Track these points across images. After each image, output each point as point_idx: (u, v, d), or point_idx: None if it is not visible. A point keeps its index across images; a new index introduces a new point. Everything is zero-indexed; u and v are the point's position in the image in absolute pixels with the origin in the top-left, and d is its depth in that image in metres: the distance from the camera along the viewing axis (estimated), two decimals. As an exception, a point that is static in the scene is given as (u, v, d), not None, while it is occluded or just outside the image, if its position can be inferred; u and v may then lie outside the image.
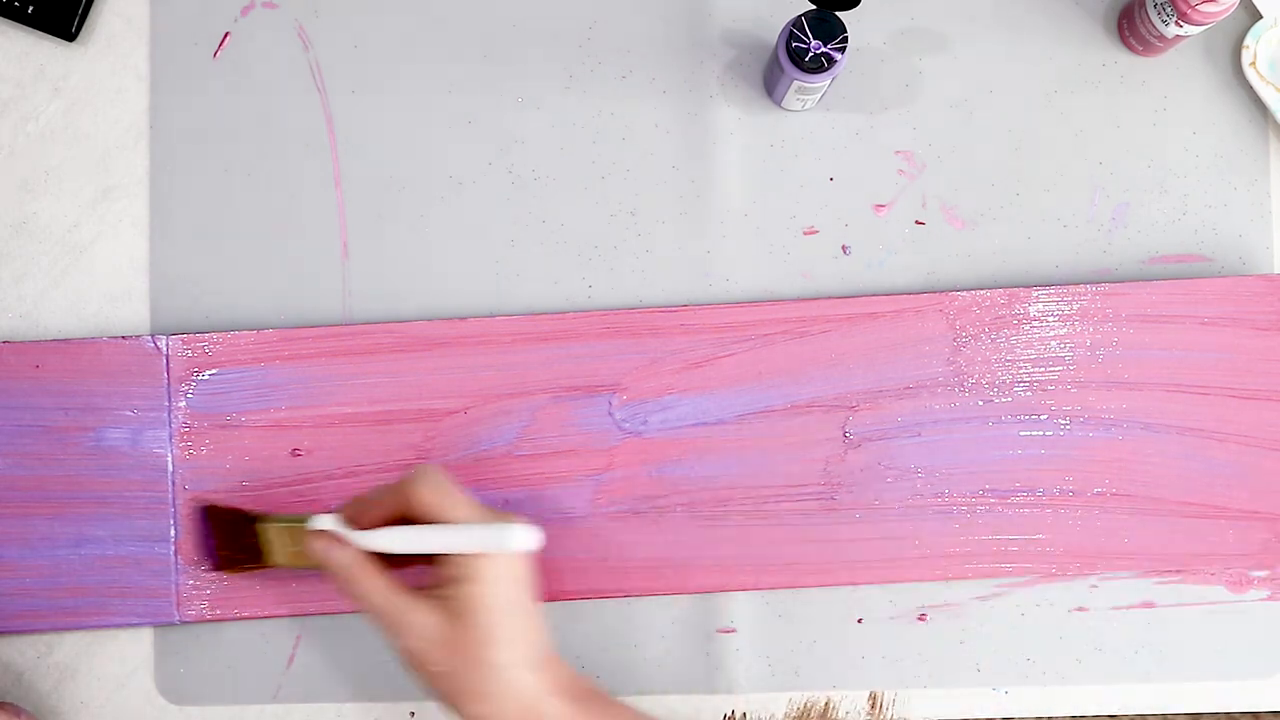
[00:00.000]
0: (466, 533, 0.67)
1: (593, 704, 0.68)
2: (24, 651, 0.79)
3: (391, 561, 0.69)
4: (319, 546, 0.69)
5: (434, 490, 0.68)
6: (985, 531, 0.78)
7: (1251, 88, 0.81)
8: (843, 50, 0.75)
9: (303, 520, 0.72)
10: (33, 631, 0.78)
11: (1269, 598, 0.80)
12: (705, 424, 0.78)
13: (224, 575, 0.77)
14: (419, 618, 0.66)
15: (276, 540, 0.74)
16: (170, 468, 0.78)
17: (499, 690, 0.66)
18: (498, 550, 0.66)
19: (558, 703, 0.66)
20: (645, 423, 0.78)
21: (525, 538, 0.67)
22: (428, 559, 0.68)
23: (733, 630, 0.79)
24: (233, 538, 0.75)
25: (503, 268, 0.81)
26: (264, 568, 0.75)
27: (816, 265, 0.81)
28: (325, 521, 0.70)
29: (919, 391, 0.79)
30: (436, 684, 0.67)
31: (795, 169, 0.82)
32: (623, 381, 0.79)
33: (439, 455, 0.78)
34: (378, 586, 0.68)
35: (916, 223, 0.82)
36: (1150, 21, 0.78)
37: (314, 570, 0.72)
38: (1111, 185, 0.82)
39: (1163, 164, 0.82)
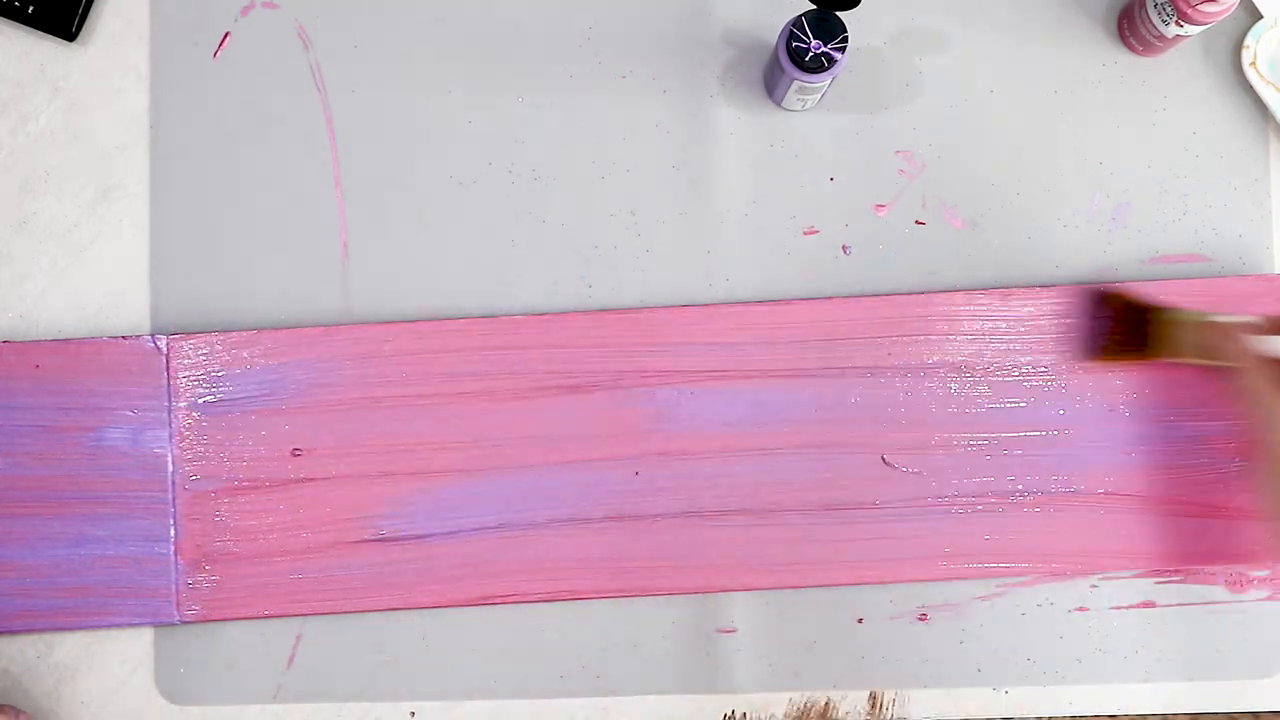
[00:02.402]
0: None
1: None
2: (24, 651, 0.79)
3: None
4: (1260, 339, 0.72)
5: None
6: (985, 531, 0.78)
7: (1251, 88, 0.81)
8: (843, 50, 0.75)
9: (1204, 317, 0.75)
10: (33, 631, 0.78)
11: (1269, 598, 0.80)
12: (705, 424, 0.78)
13: (1101, 362, 0.78)
14: None
15: (1178, 332, 0.76)
16: (170, 468, 0.78)
17: None
18: None
19: None
20: (645, 422, 0.78)
21: None
22: None
23: (733, 630, 0.79)
24: (1124, 325, 0.77)
25: (503, 268, 0.81)
26: (1148, 358, 0.77)
27: (816, 265, 0.81)
28: (1223, 318, 0.74)
29: (919, 392, 0.79)
30: None
31: (795, 169, 0.82)
32: (622, 381, 0.79)
33: (439, 453, 0.78)
34: None
35: (916, 223, 0.82)
36: (1150, 21, 0.78)
37: (1208, 367, 0.75)
38: (1111, 185, 0.82)
39: (1163, 164, 0.82)
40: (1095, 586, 0.80)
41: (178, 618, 0.77)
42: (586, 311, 0.79)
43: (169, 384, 0.78)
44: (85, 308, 0.80)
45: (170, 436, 0.78)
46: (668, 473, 0.78)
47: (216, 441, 0.78)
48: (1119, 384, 0.79)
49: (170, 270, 0.81)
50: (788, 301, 0.79)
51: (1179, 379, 0.79)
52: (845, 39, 0.74)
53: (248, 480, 0.78)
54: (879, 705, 0.80)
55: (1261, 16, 0.81)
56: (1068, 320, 0.79)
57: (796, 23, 0.75)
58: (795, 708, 0.80)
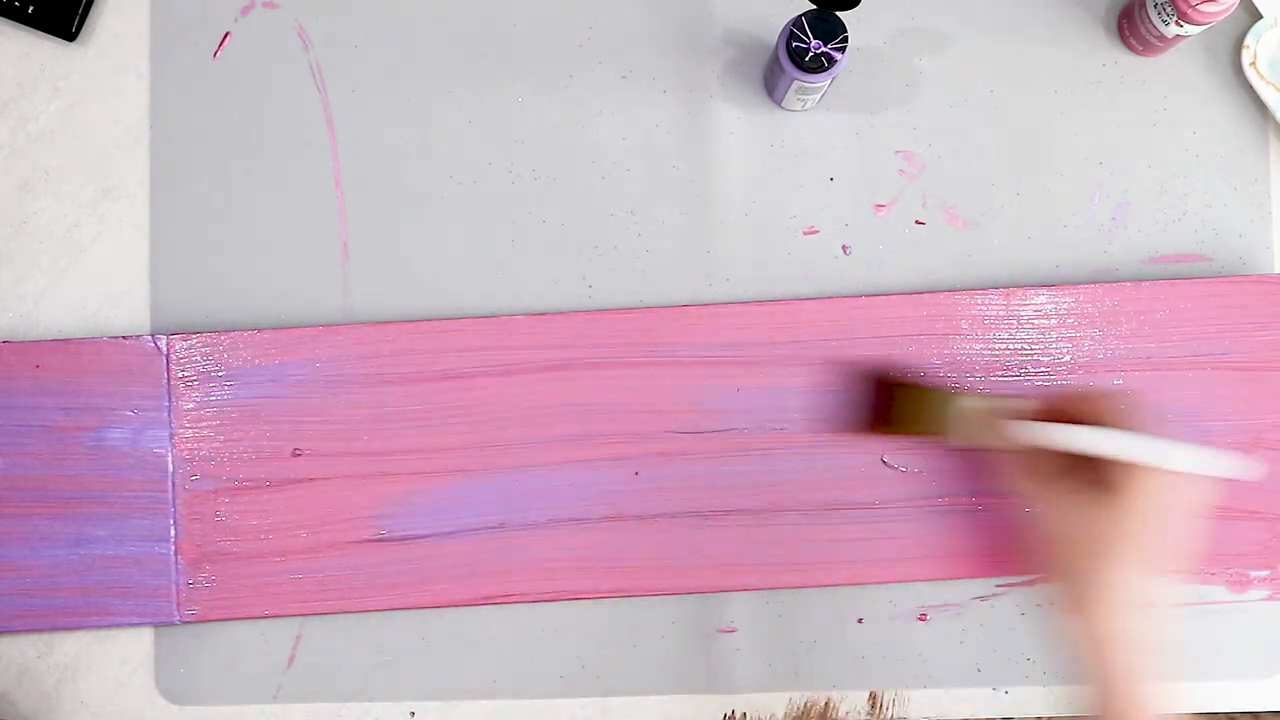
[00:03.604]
0: (1194, 452, 0.67)
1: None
2: (24, 651, 0.79)
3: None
4: (1014, 426, 0.70)
5: (1123, 409, 0.68)
6: (985, 531, 0.78)
7: (1251, 88, 0.81)
8: (843, 50, 0.75)
9: (954, 395, 0.75)
10: (33, 631, 0.78)
11: (1269, 598, 0.80)
12: (705, 424, 0.78)
13: (866, 436, 0.78)
14: (1083, 512, 0.67)
15: (937, 411, 0.75)
16: (170, 468, 0.78)
17: (1119, 599, 0.67)
18: (1203, 472, 0.67)
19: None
20: (645, 423, 0.78)
21: (1247, 467, 0.68)
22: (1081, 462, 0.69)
23: (733, 630, 0.79)
24: (883, 401, 0.76)
25: (503, 268, 0.81)
26: (903, 434, 0.77)
27: (816, 265, 0.81)
28: (978, 401, 0.73)
29: (919, 391, 0.79)
30: (1065, 573, 0.68)
31: (795, 169, 0.82)
32: (621, 381, 0.78)
33: (439, 453, 0.78)
34: (1058, 471, 0.69)
35: (916, 223, 0.82)
36: (1150, 21, 0.78)
37: (946, 439, 0.75)
38: (1111, 185, 0.82)
39: (1163, 164, 0.82)
40: (1095, 586, 0.80)
41: (178, 618, 0.77)
42: (586, 311, 0.79)
43: (169, 384, 0.78)
44: (85, 308, 0.80)
45: (170, 436, 0.78)
46: (668, 473, 0.78)
47: (216, 441, 0.78)
48: (1119, 385, 0.79)
49: (170, 270, 0.81)
50: (788, 301, 0.79)
51: (1181, 381, 0.79)
52: (845, 39, 0.74)
53: (248, 480, 0.78)
54: (879, 705, 0.80)
55: (1261, 16, 0.81)
56: (832, 394, 0.78)
57: (796, 23, 0.75)
58: (795, 708, 0.80)
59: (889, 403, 0.76)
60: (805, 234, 0.81)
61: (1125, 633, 0.66)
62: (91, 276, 0.81)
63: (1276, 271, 0.82)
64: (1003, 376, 0.79)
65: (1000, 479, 0.73)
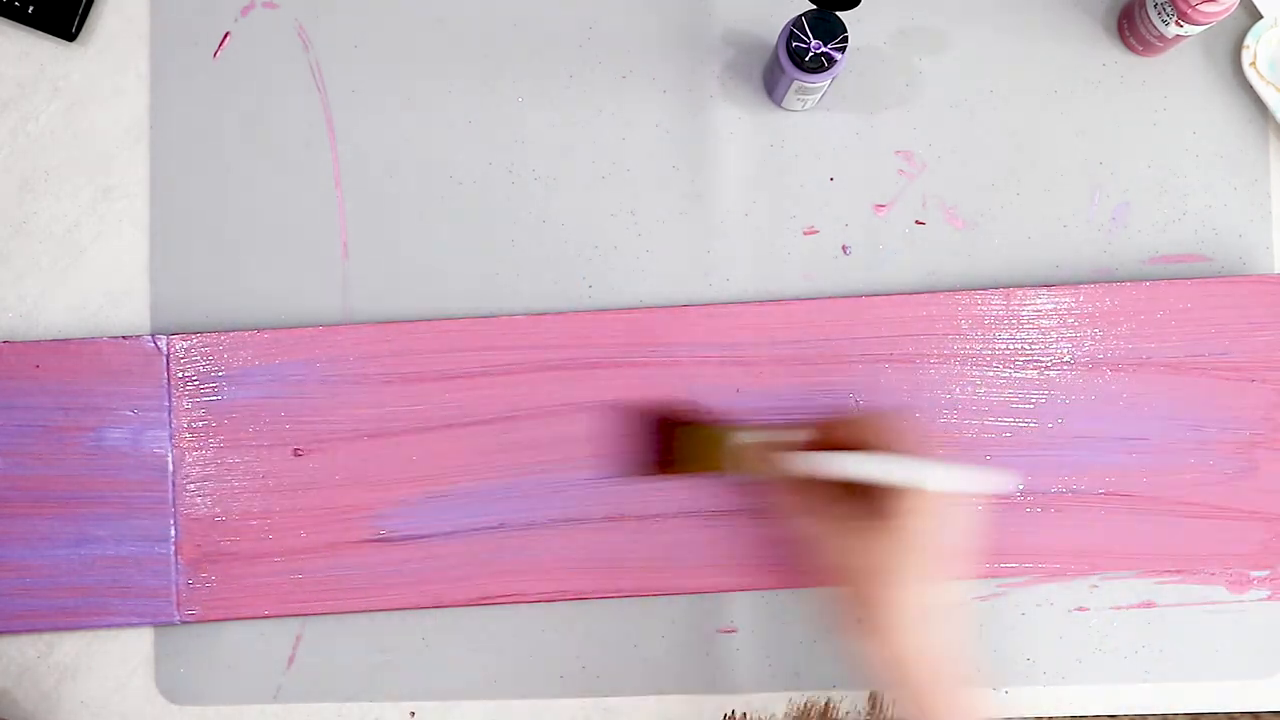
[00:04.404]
0: (951, 471, 0.67)
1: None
2: (24, 651, 0.79)
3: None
4: (786, 458, 0.70)
5: (896, 431, 0.69)
6: (985, 531, 0.78)
7: (1251, 88, 0.81)
8: (843, 50, 0.75)
9: (729, 432, 0.74)
10: (33, 631, 0.78)
11: (1269, 598, 0.80)
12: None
13: (648, 477, 0.77)
14: (858, 539, 0.68)
15: (710, 449, 0.75)
16: (170, 468, 0.78)
17: (908, 617, 0.68)
18: (959, 490, 0.68)
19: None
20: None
21: (1004, 481, 0.69)
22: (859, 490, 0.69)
23: (733, 630, 0.79)
24: (659, 441, 0.76)
25: (503, 268, 0.81)
26: (685, 473, 0.77)
27: (816, 265, 0.81)
28: (752, 436, 0.73)
29: (919, 392, 0.79)
30: (852, 600, 0.69)
31: (795, 169, 0.82)
32: (621, 381, 0.78)
33: (438, 453, 0.78)
34: (831, 499, 0.69)
35: (916, 223, 0.82)
36: (1150, 21, 0.78)
37: (726, 476, 0.75)
38: (1111, 185, 0.82)
39: (1163, 164, 0.82)
40: (1095, 586, 0.80)
41: (178, 618, 0.77)
42: (586, 311, 0.79)
43: (169, 384, 0.78)
44: (85, 308, 0.80)
45: (170, 437, 0.78)
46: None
47: (217, 442, 0.78)
48: (1119, 385, 0.79)
49: (170, 270, 0.81)
50: (788, 301, 0.79)
51: (1180, 381, 0.79)
52: (845, 39, 0.74)
53: (248, 480, 0.78)
54: (879, 705, 0.80)
55: (1261, 16, 0.81)
56: (616, 437, 0.78)
57: (796, 23, 0.75)
58: (795, 708, 0.80)
59: (670, 443, 0.76)
60: (805, 234, 0.81)
61: (922, 647, 0.67)
62: (91, 276, 0.81)
63: (1276, 271, 0.82)
64: (1002, 376, 0.79)
65: (778, 511, 0.73)
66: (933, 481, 0.67)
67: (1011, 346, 0.79)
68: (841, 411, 0.78)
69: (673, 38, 0.82)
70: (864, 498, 0.68)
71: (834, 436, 0.71)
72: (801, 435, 0.72)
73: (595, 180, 0.81)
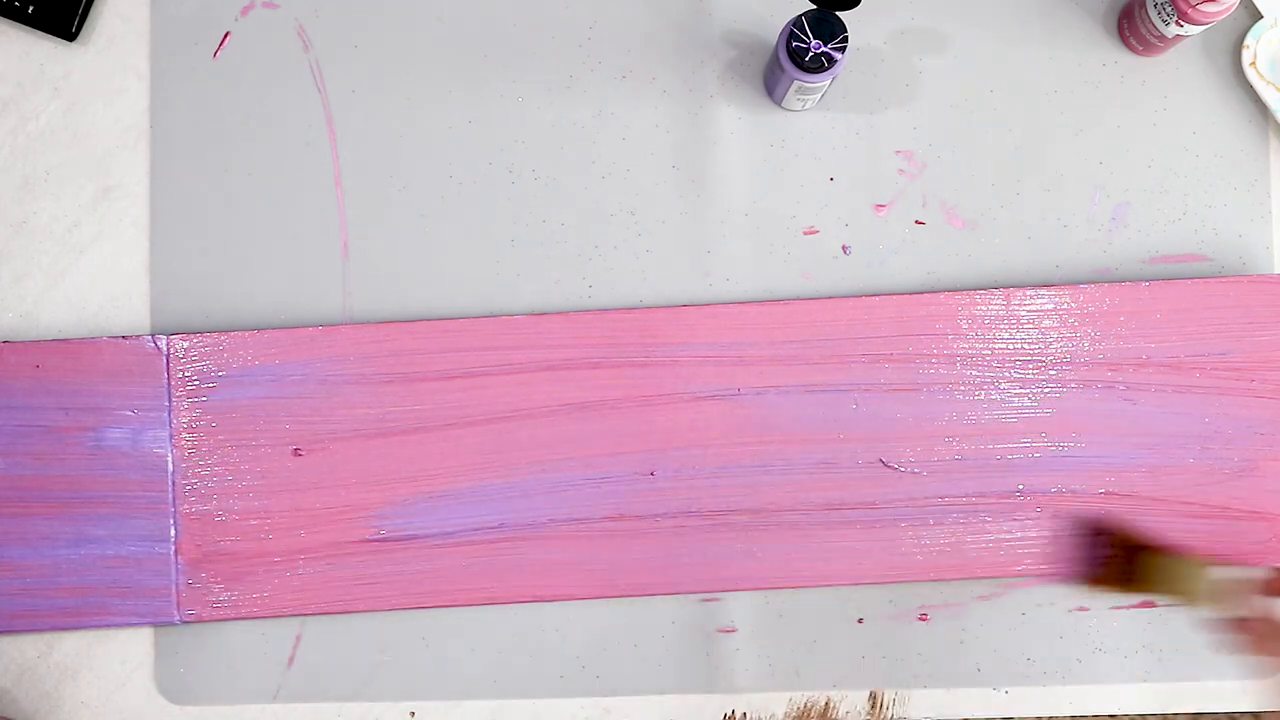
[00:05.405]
0: None
1: None
2: (24, 651, 0.79)
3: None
4: (1264, 600, 0.70)
5: None
6: (985, 531, 0.78)
7: (1251, 88, 0.81)
8: (843, 50, 0.75)
9: (1204, 567, 0.73)
10: (33, 631, 0.78)
11: (1269, 598, 0.80)
12: (705, 424, 0.78)
13: (1092, 590, 0.78)
14: None
15: (1180, 577, 0.74)
16: (170, 468, 0.78)
17: None
18: None
19: None
20: (645, 422, 0.78)
21: None
22: None
23: (733, 630, 0.79)
24: (1122, 560, 0.76)
25: (503, 268, 0.81)
26: (1145, 594, 0.77)
27: (816, 265, 0.81)
28: (1226, 573, 0.72)
29: (919, 392, 0.79)
30: None
31: (795, 169, 0.82)
32: (621, 381, 0.79)
33: (438, 453, 0.78)
34: None
35: (916, 223, 0.82)
36: (1150, 21, 0.78)
37: (1187, 606, 0.75)
38: (1111, 185, 0.82)
39: (1163, 164, 0.82)
40: (1095, 586, 0.80)
41: (178, 618, 0.77)
42: (586, 311, 0.79)
43: (169, 384, 0.78)
44: (85, 308, 0.80)
45: (170, 437, 0.78)
46: (668, 473, 0.78)
47: (217, 441, 0.78)
48: (1119, 384, 0.79)
49: (170, 270, 0.81)
50: (788, 301, 0.79)
51: (1180, 381, 0.79)
52: (845, 39, 0.74)
53: (248, 480, 0.78)
54: (879, 705, 0.80)
55: (1261, 16, 0.81)
56: (1062, 541, 0.78)
57: (796, 23, 0.75)
58: (795, 708, 0.80)
59: (1130, 563, 0.75)
60: (805, 234, 0.81)
61: None
62: (91, 276, 0.81)
63: (1276, 271, 0.82)
64: (1002, 376, 0.79)
65: (1244, 647, 0.71)
66: None
67: (1011, 346, 0.79)
68: None
69: (673, 38, 0.82)
70: None
71: None
72: (1267, 575, 0.72)
73: (595, 180, 0.81)
